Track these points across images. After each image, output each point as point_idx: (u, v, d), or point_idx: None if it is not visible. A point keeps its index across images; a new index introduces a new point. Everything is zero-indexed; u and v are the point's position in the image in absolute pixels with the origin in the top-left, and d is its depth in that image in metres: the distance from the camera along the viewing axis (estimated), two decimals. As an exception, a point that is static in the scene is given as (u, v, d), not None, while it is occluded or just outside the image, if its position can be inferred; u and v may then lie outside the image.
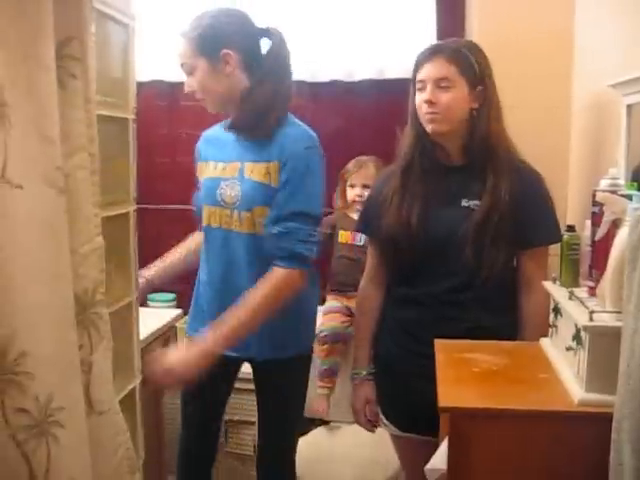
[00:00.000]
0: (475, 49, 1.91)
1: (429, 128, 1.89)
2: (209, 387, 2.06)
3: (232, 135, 2.03)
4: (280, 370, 2.08)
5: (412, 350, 1.94)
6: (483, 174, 1.87)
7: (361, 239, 2.80)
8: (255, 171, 1.97)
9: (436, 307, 1.92)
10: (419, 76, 1.90)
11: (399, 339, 2.01)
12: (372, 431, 2.20)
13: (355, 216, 2.82)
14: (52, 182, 1.17)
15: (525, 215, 1.85)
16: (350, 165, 2.85)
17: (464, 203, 1.89)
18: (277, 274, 1.88)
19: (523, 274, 1.90)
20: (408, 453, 2.15)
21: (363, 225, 2.14)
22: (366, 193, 2.78)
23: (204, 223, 2.05)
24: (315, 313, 2.23)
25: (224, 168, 2.02)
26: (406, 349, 1.97)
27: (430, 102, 1.86)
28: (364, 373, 2.10)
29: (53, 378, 1.17)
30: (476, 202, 1.87)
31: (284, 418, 2.17)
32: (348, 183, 2.85)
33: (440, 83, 1.85)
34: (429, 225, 1.91)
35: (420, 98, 1.89)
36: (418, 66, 1.91)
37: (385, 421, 2.11)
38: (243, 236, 1.98)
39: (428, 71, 1.87)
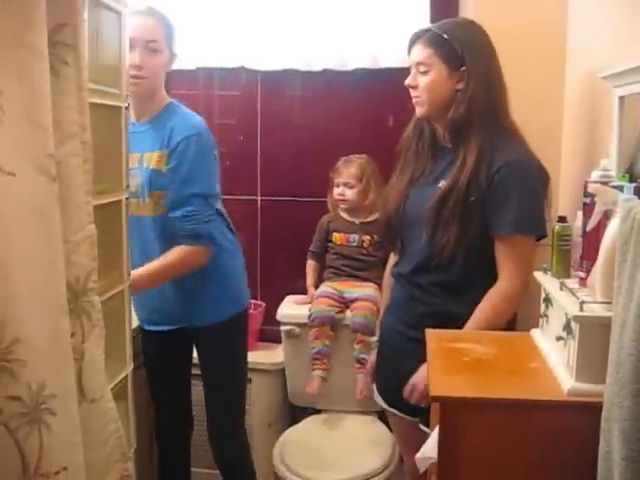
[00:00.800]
0: (461, 28, 1.92)
1: (417, 112, 1.98)
2: (169, 363, 2.48)
3: (133, 127, 2.11)
4: (220, 331, 2.35)
5: (395, 328, 2.04)
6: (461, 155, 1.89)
7: (355, 240, 2.82)
8: (151, 159, 2.19)
9: (406, 287, 2.01)
10: (410, 60, 1.98)
11: (386, 316, 2.14)
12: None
13: (346, 216, 2.84)
14: (44, 169, 1.17)
15: (492, 201, 1.83)
16: (338, 164, 2.86)
17: (440, 184, 1.90)
18: (183, 249, 2.16)
19: (496, 263, 1.89)
20: (397, 428, 2.23)
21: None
22: (347, 192, 2.79)
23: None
24: (240, 274, 2.47)
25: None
26: (391, 326, 2.08)
27: (410, 86, 1.95)
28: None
29: (45, 366, 1.17)
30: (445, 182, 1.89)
31: (229, 376, 2.40)
32: (334, 183, 2.86)
33: (419, 68, 1.92)
34: (407, 205, 2.00)
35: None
36: (408, 51, 2.00)
37: (375, 392, 2.17)
38: (149, 219, 2.23)
39: (411, 56, 1.96)
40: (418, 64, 1.92)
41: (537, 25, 2.31)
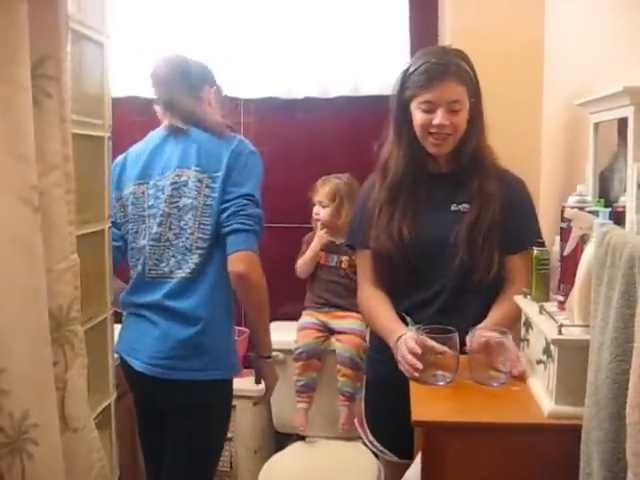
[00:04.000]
0: (468, 59, 1.91)
1: (434, 150, 1.91)
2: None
3: None
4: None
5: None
6: (469, 179, 1.92)
7: (333, 260, 2.81)
8: None
9: (430, 317, 1.86)
10: (426, 97, 1.85)
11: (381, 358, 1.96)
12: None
13: (326, 236, 2.84)
14: (27, 200, 1.18)
15: (513, 219, 1.89)
16: (317, 183, 2.88)
17: (454, 208, 1.92)
18: None
19: (508, 274, 1.92)
20: (390, 469, 2.15)
21: (350, 240, 2.15)
22: (321, 211, 2.81)
23: None
24: None
25: None
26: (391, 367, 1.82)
27: (442, 126, 1.85)
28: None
29: (28, 395, 1.18)
30: (465, 205, 1.91)
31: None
32: (313, 201, 2.87)
33: (453, 106, 1.84)
34: (421, 232, 1.92)
35: (427, 119, 1.86)
36: (422, 85, 1.86)
37: (369, 435, 2.10)
38: None
39: (439, 93, 1.84)
40: (452, 102, 1.84)
41: (515, 51, 2.36)
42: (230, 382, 2.10)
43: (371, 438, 2.09)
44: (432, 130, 1.87)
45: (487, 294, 1.91)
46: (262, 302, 1.99)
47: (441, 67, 1.84)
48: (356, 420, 2.27)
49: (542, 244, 1.67)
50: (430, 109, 1.85)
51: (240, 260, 1.91)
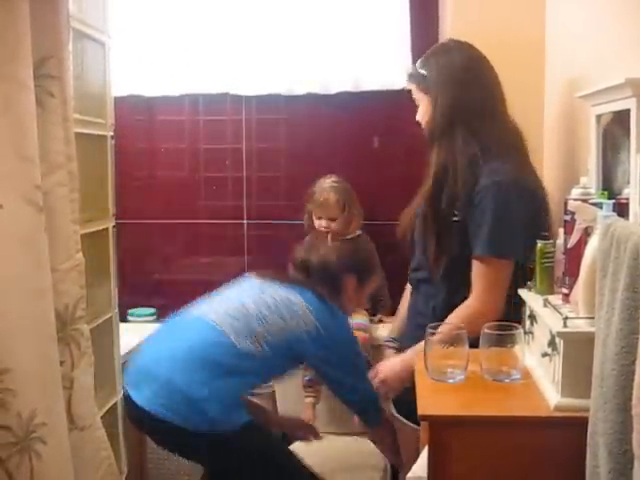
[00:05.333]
0: (435, 55, 2.03)
1: None
2: None
3: None
4: None
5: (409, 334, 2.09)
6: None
7: None
8: None
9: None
10: None
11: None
12: None
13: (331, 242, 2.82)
14: (31, 200, 1.18)
15: (472, 222, 1.89)
16: (314, 195, 2.83)
17: None
18: None
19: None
20: (401, 435, 2.20)
21: None
22: (332, 225, 2.79)
23: None
24: None
25: None
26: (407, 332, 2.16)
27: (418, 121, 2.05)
28: None
29: (35, 394, 1.18)
30: None
31: None
32: (314, 214, 2.85)
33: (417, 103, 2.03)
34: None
35: None
36: None
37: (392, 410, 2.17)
38: None
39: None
40: (415, 99, 2.05)
41: (517, 46, 2.36)
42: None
43: (393, 410, 2.16)
44: None
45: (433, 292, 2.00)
46: None
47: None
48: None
49: (546, 237, 1.66)
50: None
51: None
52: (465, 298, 1.92)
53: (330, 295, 2.08)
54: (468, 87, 1.96)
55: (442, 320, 1.83)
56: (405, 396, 1.96)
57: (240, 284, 2.11)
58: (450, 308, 1.92)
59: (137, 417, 1.82)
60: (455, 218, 1.91)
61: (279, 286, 2.04)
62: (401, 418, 2.09)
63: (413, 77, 2.05)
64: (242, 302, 1.98)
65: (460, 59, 1.97)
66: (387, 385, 2.03)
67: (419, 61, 2.05)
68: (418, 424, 1.91)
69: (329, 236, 2.81)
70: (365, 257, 2.35)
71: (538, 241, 1.65)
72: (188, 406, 1.78)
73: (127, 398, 1.79)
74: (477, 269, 1.90)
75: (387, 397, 2.10)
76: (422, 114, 2.03)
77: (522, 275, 1.80)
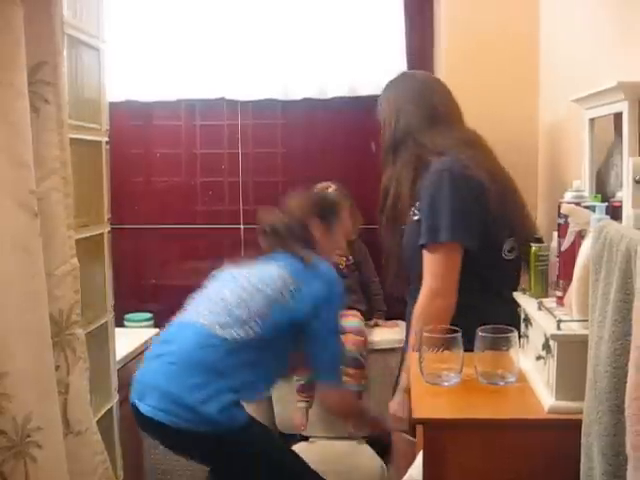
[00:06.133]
0: (385, 89, 2.16)
1: None
2: None
3: None
4: None
5: None
6: None
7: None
8: None
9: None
10: None
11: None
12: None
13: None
14: (26, 205, 1.19)
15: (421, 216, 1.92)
16: None
17: None
18: None
19: None
20: (398, 447, 2.20)
21: None
22: None
23: None
24: None
25: None
26: None
27: None
28: None
29: (31, 399, 1.18)
30: None
31: None
32: None
33: None
34: None
35: None
36: None
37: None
38: None
39: None
40: None
41: (511, 51, 2.37)
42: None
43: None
44: None
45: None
46: None
47: None
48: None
49: (540, 240, 1.67)
50: None
51: None
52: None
53: (305, 248, 2.10)
54: (407, 109, 2.05)
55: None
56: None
57: (217, 279, 2.13)
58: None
59: (145, 425, 1.89)
60: (415, 217, 1.93)
61: (252, 265, 2.08)
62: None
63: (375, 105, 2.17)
64: (221, 296, 2.01)
65: (403, 87, 2.11)
66: (401, 420, 2.00)
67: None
68: (413, 436, 1.93)
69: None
70: (322, 197, 2.39)
71: (532, 244, 1.66)
72: (187, 410, 1.81)
73: (135, 409, 1.84)
74: (424, 259, 1.90)
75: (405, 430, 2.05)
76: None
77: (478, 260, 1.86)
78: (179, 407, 1.84)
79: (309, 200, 2.24)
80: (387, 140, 2.07)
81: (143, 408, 1.84)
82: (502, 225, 1.91)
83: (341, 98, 2.95)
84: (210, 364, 1.90)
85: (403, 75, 2.21)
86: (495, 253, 1.93)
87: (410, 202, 1.96)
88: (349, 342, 2.71)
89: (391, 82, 2.17)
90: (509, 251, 1.94)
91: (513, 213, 1.94)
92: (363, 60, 2.92)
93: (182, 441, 1.92)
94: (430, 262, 1.88)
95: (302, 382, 2.75)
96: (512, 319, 1.67)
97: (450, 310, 1.85)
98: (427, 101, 2.04)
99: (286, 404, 2.85)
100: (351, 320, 2.75)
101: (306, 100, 2.97)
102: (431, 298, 1.87)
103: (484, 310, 1.80)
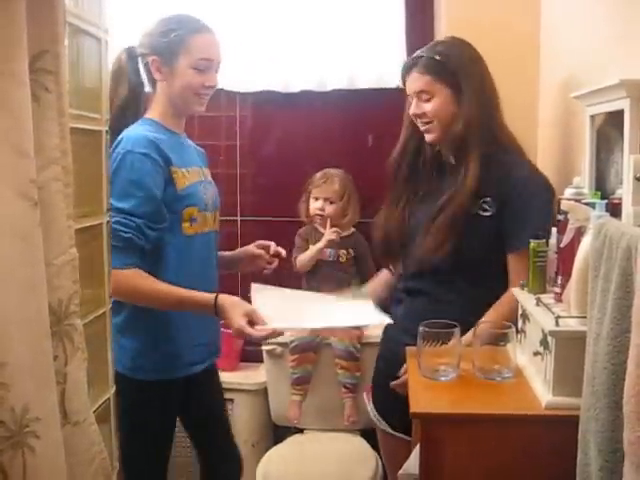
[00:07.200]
0: (451, 48, 1.95)
1: (427, 138, 1.98)
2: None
3: (179, 139, 2.12)
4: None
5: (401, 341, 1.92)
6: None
7: (331, 254, 2.80)
8: (208, 175, 2.20)
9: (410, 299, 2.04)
10: (406, 89, 2.00)
11: (387, 331, 2.13)
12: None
13: (322, 230, 2.83)
14: (26, 195, 1.18)
15: (510, 217, 1.88)
16: (316, 177, 2.85)
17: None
18: None
19: (508, 274, 1.91)
20: (387, 446, 2.20)
21: None
22: (328, 207, 2.79)
23: (196, 230, 2.04)
24: None
25: (197, 172, 2.11)
26: (395, 340, 2.01)
27: (417, 115, 1.95)
28: None
29: (29, 389, 1.18)
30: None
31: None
32: (312, 195, 2.85)
33: (421, 96, 1.93)
34: (412, 220, 2.04)
35: (409, 110, 1.99)
36: (402, 80, 2.01)
37: (370, 406, 2.17)
38: (214, 234, 2.17)
39: (408, 86, 1.97)
40: (419, 93, 1.93)
41: (511, 45, 2.37)
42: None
43: (371, 406, 2.15)
44: (417, 121, 1.98)
45: (465, 284, 1.92)
46: (146, 303, 1.93)
47: (410, 61, 1.98)
48: (364, 390, 2.34)
49: (538, 237, 1.67)
50: (410, 101, 1.98)
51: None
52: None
53: None
54: (489, 78, 1.96)
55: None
56: (394, 407, 1.97)
57: None
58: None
59: None
60: (486, 213, 1.89)
61: None
62: (390, 430, 2.08)
63: (431, 67, 1.92)
64: None
65: (473, 50, 1.96)
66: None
67: (428, 49, 1.95)
68: (407, 434, 1.92)
69: (328, 221, 2.80)
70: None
71: (531, 240, 1.67)
72: None
73: None
74: (516, 262, 1.86)
75: None
76: (440, 108, 1.92)
77: None
78: None
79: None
80: (467, 114, 1.91)
81: None
82: None
83: (340, 91, 2.95)
84: None
85: (462, 41, 2.00)
86: None
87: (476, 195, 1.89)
88: (345, 334, 2.72)
89: (456, 41, 1.99)
90: None
91: None
92: (363, 53, 2.92)
93: None
94: (524, 265, 1.78)
95: (297, 375, 2.76)
96: None
97: None
98: (492, 86, 1.98)
99: (281, 397, 2.85)
100: None
101: (305, 92, 2.96)
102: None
103: None
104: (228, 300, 1.87)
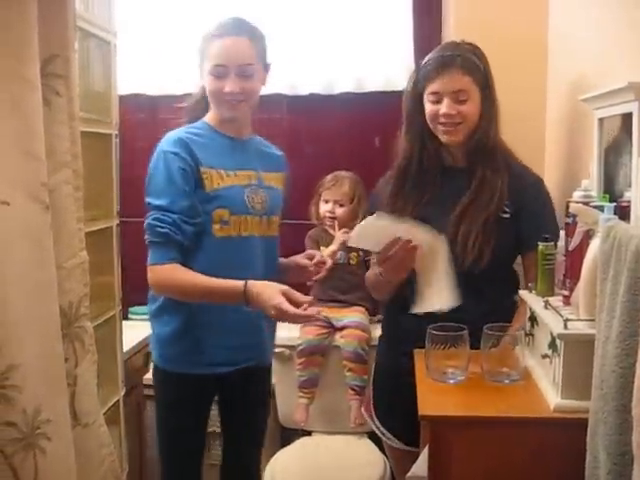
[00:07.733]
0: (480, 53, 1.94)
1: (445, 138, 1.94)
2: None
3: (231, 142, 2.05)
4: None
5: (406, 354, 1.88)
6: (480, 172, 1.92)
7: (342, 257, 2.80)
8: (271, 179, 2.12)
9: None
10: (432, 87, 1.91)
11: (384, 345, 2.10)
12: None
13: (332, 232, 2.83)
14: (38, 198, 1.19)
15: (526, 218, 1.90)
16: (326, 179, 2.85)
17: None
18: None
19: (525, 274, 1.94)
20: (394, 454, 2.16)
21: None
22: (338, 210, 2.79)
23: (229, 233, 1.99)
24: None
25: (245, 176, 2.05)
26: (396, 355, 1.99)
27: (448, 115, 1.89)
28: None
29: (40, 391, 1.19)
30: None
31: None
32: (322, 197, 2.85)
33: (458, 96, 1.89)
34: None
35: (434, 109, 1.91)
36: (430, 77, 1.92)
37: (374, 419, 2.12)
38: (258, 239, 2.05)
39: (444, 84, 1.89)
40: (457, 92, 1.88)
41: (519, 47, 2.37)
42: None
43: (377, 423, 2.11)
44: (441, 120, 1.91)
45: (484, 286, 1.90)
46: (185, 297, 1.92)
47: (447, 58, 1.90)
48: (363, 407, 2.30)
49: (548, 239, 1.67)
50: (437, 100, 1.91)
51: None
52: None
53: None
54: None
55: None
56: (398, 417, 1.96)
57: None
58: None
59: None
60: (506, 215, 1.90)
61: None
62: (396, 444, 2.06)
63: (471, 68, 1.90)
64: None
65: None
66: None
67: (465, 50, 1.93)
68: (412, 445, 1.90)
69: (336, 223, 2.79)
70: None
71: (539, 243, 1.66)
72: None
73: None
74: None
75: None
76: (473, 111, 1.90)
77: None
78: None
79: None
80: (491, 118, 1.93)
81: None
82: None
83: (348, 94, 2.95)
84: None
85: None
86: None
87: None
88: (351, 337, 2.72)
89: (475, 49, 1.95)
90: None
91: None
92: (370, 56, 2.92)
93: None
94: None
95: (304, 378, 2.76)
96: None
97: None
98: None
99: (288, 400, 2.85)
100: (355, 315, 2.76)
101: (312, 95, 2.97)
102: None
103: None
104: (259, 283, 1.83)
